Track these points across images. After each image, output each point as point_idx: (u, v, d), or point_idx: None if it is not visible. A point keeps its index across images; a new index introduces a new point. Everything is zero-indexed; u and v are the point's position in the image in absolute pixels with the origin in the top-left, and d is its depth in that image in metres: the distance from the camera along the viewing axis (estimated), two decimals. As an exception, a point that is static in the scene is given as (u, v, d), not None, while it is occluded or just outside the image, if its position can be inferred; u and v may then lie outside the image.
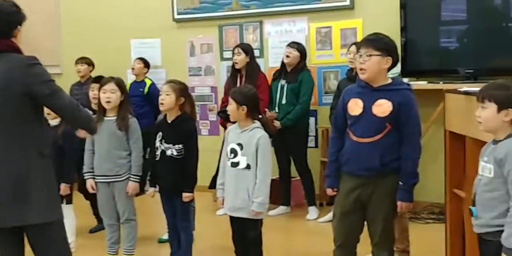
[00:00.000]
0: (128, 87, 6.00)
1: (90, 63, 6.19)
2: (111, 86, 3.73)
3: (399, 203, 2.95)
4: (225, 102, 5.26)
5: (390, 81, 2.99)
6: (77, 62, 6.18)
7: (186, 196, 3.53)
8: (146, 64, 6.10)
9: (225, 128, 5.26)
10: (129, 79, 6.23)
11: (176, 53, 6.34)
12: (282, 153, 5.24)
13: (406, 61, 5.08)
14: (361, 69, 2.94)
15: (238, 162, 3.28)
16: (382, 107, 2.91)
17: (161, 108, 3.59)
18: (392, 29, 5.09)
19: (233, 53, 5.29)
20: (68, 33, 6.94)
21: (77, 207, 4.43)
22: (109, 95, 3.72)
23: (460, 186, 3.24)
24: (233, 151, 3.30)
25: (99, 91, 3.83)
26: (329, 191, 3.13)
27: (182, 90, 3.57)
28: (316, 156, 5.53)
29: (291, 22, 5.77)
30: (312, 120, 5.62)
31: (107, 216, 3.89)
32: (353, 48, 4.63)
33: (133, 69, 6.09)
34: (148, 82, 6.05)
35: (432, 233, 4.36)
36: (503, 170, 2.27)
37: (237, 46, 5.32)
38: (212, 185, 5.28)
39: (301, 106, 5.08)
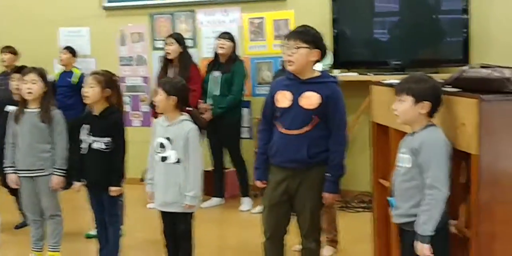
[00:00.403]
0: (57, 77, 5.87)
1: (15, 52, 5.94)
2: (32, 76, 3.58)
3: (326, 194, 2.98)
4: None
5: (318, 74, 2.99)
6: (1, 51, 5.92)
7: (113, 190, 3.44)
8: (73, 54, 5.91)
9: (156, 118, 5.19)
10: (56, 69, 6.03)
11: (106, 42, 6.17)
12: (215, 144, 5.20)
13: (338, 53, 5.12)
14: (288, 61, 2.93)
15: (167, 157, 3.21)
16: (310, 100, 2.92)
17: (85, 101, 3.47)
18: (324, 20, 5.15)
19: (165, 43, 5.18)
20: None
21: (1, 202, 4.26)
22: (30, 86, 3.57)
23: (385, 177, 3.29)
24: (162, 146, 3.23)
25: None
26: (258, 183, 3.13)
27: (107, 82, 3.46)
28: (250, 147, 5.52)
29: (224, 12, 5.71)
30: (246, 111, 5.61)
31: (31, 211, 3.75)
32: None
33: (61, 60, 5.88)
34: (77, 72, 5.86)
35: (362, 222, 4.44)
36: (419, 159, 2.32)
37: (169, 36, 5.22)
38: (144, 178, 5.20)
39: (233, 96, 5.05)
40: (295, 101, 2.93)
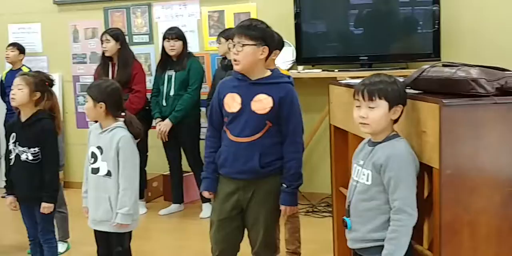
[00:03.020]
0: (3, 76, 5.50)
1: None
2: None
3: (283, 207, 2.68)
4: None
5: (269, 73, 2.68)
6: None
7: (45, 207, 3.08)
8: (21, 50, 5.52)
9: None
10: (6, 66, 5.66)
11: (58, 39, 5.79)
12: (172, 146, 4.85)
13: (301, 48, 4.82)
14: (234, 60, 2.62)
15: (98, 168, 2.87)
16: (262, 103, 2.61)
17: (12, 103, 3.12)
18: (287, 14, 4.85)
19: (102, 41, 4.81)
20: None
21: None
22: None
23: (346, 185, 3.00)
24: (93, 155, 2.88)
25: None
26: (206, 194, 2.81)
27: (37, 84, 3.10)
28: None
29: (182, 5, 5.37)
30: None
31: None
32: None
33: (7, 57, 5.49)
34: (25, 71, 5.49)
35: (327, 228, 4.13)
36: (383, 177, 2.00)
37: (104, 32, 4.86)
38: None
39: (190, 96, 4.68)
40: (245, 105, 2.62)
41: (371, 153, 2.08)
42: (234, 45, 2.61)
